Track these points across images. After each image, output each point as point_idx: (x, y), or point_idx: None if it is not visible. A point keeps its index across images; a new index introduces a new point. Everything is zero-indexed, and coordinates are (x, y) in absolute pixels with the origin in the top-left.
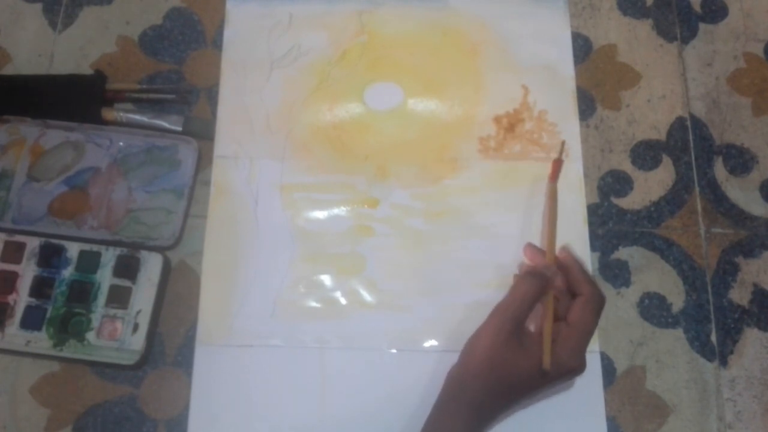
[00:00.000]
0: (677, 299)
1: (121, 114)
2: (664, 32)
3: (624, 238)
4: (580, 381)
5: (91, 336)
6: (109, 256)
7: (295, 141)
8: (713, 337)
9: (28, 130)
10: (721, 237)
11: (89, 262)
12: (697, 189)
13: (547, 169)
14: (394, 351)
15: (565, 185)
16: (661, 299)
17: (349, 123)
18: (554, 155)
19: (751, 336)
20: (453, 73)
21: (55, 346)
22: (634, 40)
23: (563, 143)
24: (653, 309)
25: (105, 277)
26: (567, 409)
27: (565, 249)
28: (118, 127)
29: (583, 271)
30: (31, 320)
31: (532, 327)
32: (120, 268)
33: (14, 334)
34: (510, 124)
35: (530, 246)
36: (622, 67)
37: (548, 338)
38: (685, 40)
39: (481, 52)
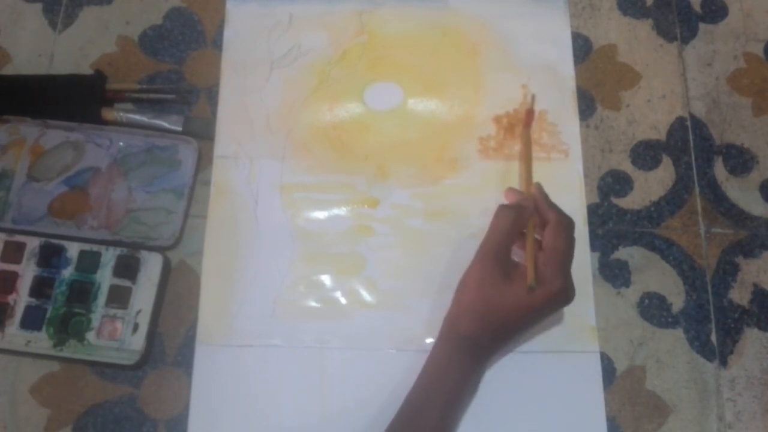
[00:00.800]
0: (677, 299)
1: (121, 114)
2: (664, 32)
3: (624, 238)
4: (580, 381)
5: (91, 336)
6: (109, 256)
7: (295, 141)
8: (713, 337)
9: (28, 130)
10: (721, 237)
11: (89, 262)
12: (697, 189)
13: (547, 169)
14: (394, 351)
15: (565, 185)
16: (661, 299)
17: (349, 123)
18: (555, 155)
19: (751, 336)
20: (453, 73)
21: (55, 346)
22: (634, 40)
23: (534, 96)
24: (653, 309)
25: (105, 277)
26: (567, 409)
27: (536, 185)
28: (118, 127)
29: (549, 202)
30: (31, 320)
31: (517, 259)
32: (120, 268)
33: (14, 334)
34: (510, 124)
35: (509, 189)
36: (622, 67)
37: (530, 255)
38: (685, 40)
39: (481, 52)
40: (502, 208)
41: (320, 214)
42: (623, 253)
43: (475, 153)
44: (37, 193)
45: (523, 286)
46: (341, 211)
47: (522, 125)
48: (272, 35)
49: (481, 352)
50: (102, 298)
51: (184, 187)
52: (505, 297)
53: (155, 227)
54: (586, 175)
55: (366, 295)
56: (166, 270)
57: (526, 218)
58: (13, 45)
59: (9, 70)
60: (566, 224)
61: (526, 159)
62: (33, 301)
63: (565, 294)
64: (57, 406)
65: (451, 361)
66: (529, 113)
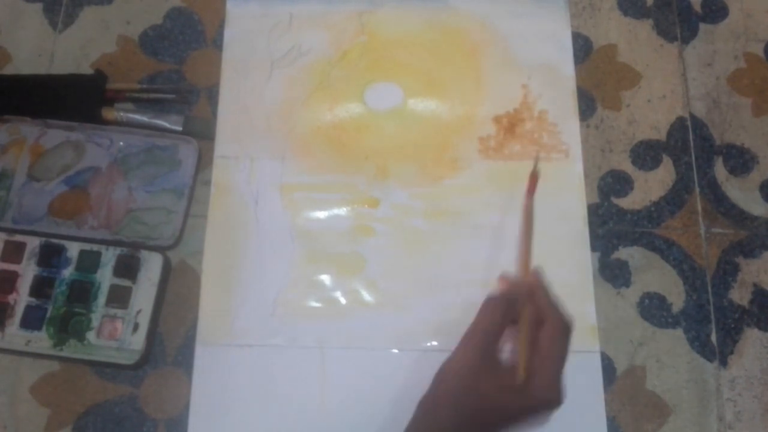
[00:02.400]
0: (677, 299)
1: (122, 114)
2: (665, 32)
3: (624, 238)
4: (580, 381)
5: (91, 336)
6: (109, 256)
7: (296, 141)
8: (713, 337)
9: (28, 129)
10: (721, 237)
11: (89, 262)
12: (697, 189)
13: (547, 169)
14: (394, 351)
15: (565, 185)
16: (661, 299)
17: (349, 123)
18: (555, 155)
19: (751, 336)
20: (453, 73)
21: (55, 345)
22: (634, 40)
23: (537, 155)
24: (653, 309)
25: (105, 277)
26: (567, 409)
27: (535, 272)
28: (118, 126)
29: (548, 296)
30: (31, 320)
31: (507, 354)
32: (120, 268)
33: (14, 334)
34: (510, 124)
35: (502, 276)
36: (623, 67)
37: (523, 349)
38: (686, 40)
39: (482, 52)
40: (491, 300)
41: (320, 214)
42: (623, 253)
43: (475, 153)
44: (37, 193)
45: (508, 382)
46: (341, 211)
47: (525, 193)
48: (272, 35)
49: None
50: (102, 298)
51: (184, 187)
52: (490, 395)
53: (155, 227)
54: (586, 175)
55: (366, 295)
56: (166, 270)
57: (517, 310)
58: (14, 45)
59: (9, 70)
60: (565, 327)
61: (527, 235)
62: (33, 300)
63: (555, 404)
64: (57, 406)
65: None
66: (533, 178)
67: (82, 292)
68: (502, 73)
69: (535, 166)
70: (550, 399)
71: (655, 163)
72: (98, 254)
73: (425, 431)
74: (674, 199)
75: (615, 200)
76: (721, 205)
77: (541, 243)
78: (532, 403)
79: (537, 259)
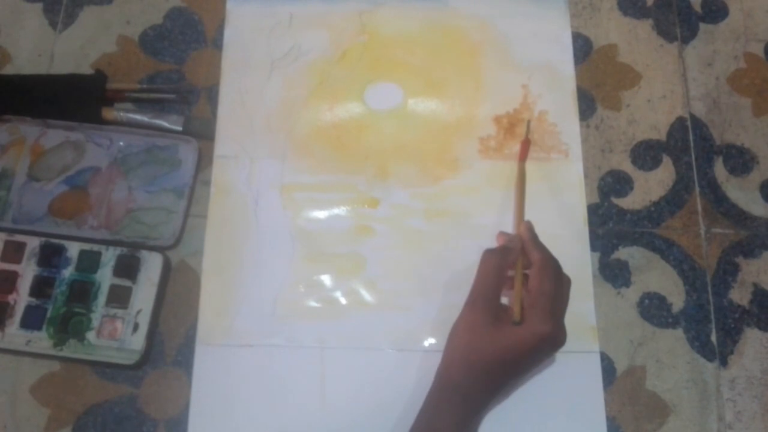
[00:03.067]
0: (677, 299)
1: (122, 114)
2: (665, 32)
3: (624, 238)
4: (580, 381)
5: (91, 336)
6: (109, 256)
7: (296, 141)
8: (713, 337)
9: (28, 129)
10: (721, 237)
11: (89, 262)
12: (697, 189)
13: (547, 169)
14: (394, 351)
15: (565, 185)
16: (661, 299)
17: (349, 123)
18: (555, 155)
19: (751, 336)
20: (453, 73)
21: (55, 345)
22: (634, 40)
23: (528, 122)
24: (653, 309)
25: (105, 277)
26: (567, 409)
27: (524, 224)
28: (118, 126)
29: (536, 242)
30: (32, 320)
31: (507, 302)
32: (120, 268)
33: (14, 334)
34: (510, 124)
35: (500, 232)
36: (623, 67)
37: (517, 294)
38: (686, 40)
39: (482, 52)
40: (487, 252)
41: (320, 214)
42: (623, 253)
43: (475, 153)
44: (37, 193)
45: (511, 328)
46: (341, 211)
47: (517, 157)
48: (272, 35)
49: (473, 405)
50: (102, 298)
51: (184, 186)
52: (494, 341)
53: (155, 227)
54: (586, 175)
55: (366, 295)
56: (166, 270)
57: (512, 260)
58: (14, 45)
59: (9, 70)
60: (551, 265)
61: (520, 194)
62: (33, 300)
63: (553, 338)
64: (57, 406)
65: (442, 414)
66: (525, 144)
67: (82, 292)
68: (502, 73)
69: (527, 133)
70: (547, 333)
71: (655, 163)
72: (98, 254)
73: (440, 393)
74: (674, 199)
75: (615, 200)
76: (721, 205)
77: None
78: (530, 339)
79: None
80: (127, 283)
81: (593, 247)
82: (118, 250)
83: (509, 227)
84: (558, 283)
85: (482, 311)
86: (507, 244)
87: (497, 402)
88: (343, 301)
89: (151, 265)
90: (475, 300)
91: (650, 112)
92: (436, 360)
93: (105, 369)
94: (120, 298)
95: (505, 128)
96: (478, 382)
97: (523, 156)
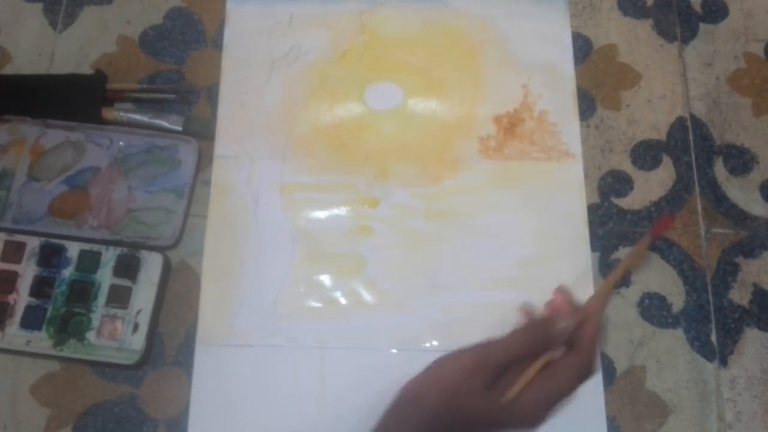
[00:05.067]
0: (677, 299)
1: (122, 114)
2: (665, 32)
3: (624, 238)
4: None
5: (91, 336)
6: (109, 256)
7: (296, 141)
8: (713, 337)
9: (28, 129)
10: (721, 237)
11: (89, 262)
12: (697, 189)
13: (547, 169)
14: (394, 351)
15: (565, 185)
16: (661, 299)
17: (349, 123)
18: (555, 155)
19: (751, 336)
20: (453, 73)
21: (55, 345)
22: (634, 40)
23: (673, 212)
24: (653, 309)
25: (105, 277)
26: (567, 409)
27: (596, 299)
28: (118, 126)
29: (593, 341)
30: (32, 320)
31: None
32: (120, 268)
33: (14, 334)
34: (510, 124)
35: (561, 290)
36: (623, 67)
37: (528, 378)
38: (686, 40)
39: (482, 52)
40: (528, 329)
41: (320, 214)
42: (623, 253)
43: (475, 153)
44: (37, 193)
45: (498, 399)
46: (341, 211)
47: (652, 230)
48: (272, 35)
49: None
50: (102, 298)
51: (184, 186)
52: (477, 401)
53: (155, 227)
54: (586, 175)
55: (366, 295)
56: (166, 270)
57: (551, 346)
58: (14, 45)
59: (9, 70)
60: (584, 371)
61: (624, 266)
62: (33, 300)
63: (533, 425)
64: (57, 406)
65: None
66: (668, 220)
67: (82, 292)
68: (502, 73)
69: (673, 214)
70: (528, 417)
71: (655, 163)
72: (98, 254)
73: (401, 422)
74: (674, 199)
75: (615, 200)
76: (721, 205)
77: (541, 243)
78: (507, 420)
79: (537, 259)
80: (127, 283)
81: (593, 247)
82: (118, 250)
83: (509, 227)
84: (574, 388)
85: (486, 371)
86: (557, 333)
87: None
88: (343, 301)
89: (151, 265)
90: (483, 363)
91: (650, 112)
92: None
93: (105, 369)
94: (120, 298)
95: (505, 128)
96: (444, 429)
97: (657, 233)
